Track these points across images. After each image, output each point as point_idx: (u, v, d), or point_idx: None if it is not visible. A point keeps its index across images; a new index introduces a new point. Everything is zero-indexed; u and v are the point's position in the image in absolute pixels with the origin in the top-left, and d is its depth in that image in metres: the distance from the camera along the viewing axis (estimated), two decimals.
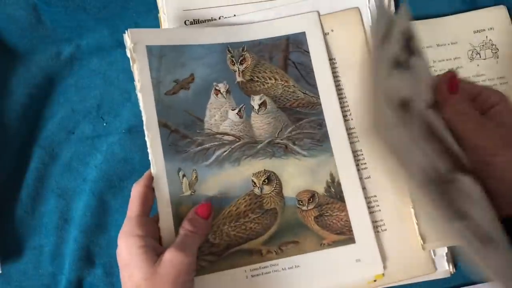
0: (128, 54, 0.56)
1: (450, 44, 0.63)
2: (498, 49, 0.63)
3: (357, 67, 0.62)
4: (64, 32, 0.64)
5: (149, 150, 0.54)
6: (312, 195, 0.57)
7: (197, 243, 0.51)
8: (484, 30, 0.64)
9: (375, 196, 0.58)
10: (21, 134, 0.62)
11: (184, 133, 0.56)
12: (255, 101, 0.59)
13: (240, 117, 0.59)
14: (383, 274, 0.56)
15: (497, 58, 0.63)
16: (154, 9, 0.64)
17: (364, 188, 0.58)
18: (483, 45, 0.63)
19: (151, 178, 0.53)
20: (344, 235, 0.56)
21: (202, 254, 0.53)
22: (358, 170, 0.58)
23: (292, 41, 0.62)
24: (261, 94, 0.60)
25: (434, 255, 0.58)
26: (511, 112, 0.43)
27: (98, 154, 0.62)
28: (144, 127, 0.55)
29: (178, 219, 0.52)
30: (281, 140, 0.58)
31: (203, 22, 0.63)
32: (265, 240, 0.55)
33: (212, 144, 0.57)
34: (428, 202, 0.37)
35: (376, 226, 0.57)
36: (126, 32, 0.56)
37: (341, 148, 0.58)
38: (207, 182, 0.56)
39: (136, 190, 0.51)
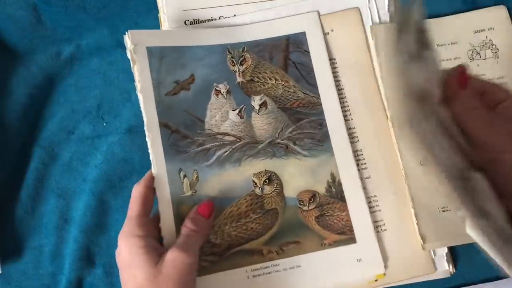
0: (129, 55, 0.56)
1: (450, 44, 0.63)
2: (498, 49, 0.63)
3: (357, 67, 0.62)
4: (64, 32, 0.64)
5: (150, 151, 0.54)
6: (313, 195, 0.57)
7: (199, 243, 0.51)
8: (484, 30, 0.64)
9: (375, 196, 0.58)
10: (21, 134, 0.62)
11: (184, 133, 0.56)
12: (256, 102, 0.59)
13: (241, 117, 0.59)
14: (384, 274, 0.56)
15: (497, 58, 0.63)
16: (154, 9, 0.64)
17: (364, 188, 0.58)
18: (483, 45, 0.63)
19: (151, 179, 0.53)
20: (345, 235, 0.56)
21: (203, 254, 0.53)
22: (358, 170, 0.58)
23: (292, 41, 0.62)
24: (262, 95, 0.60)
25: (434, 255, 0.58)
26: None
27: (98, 154, 0.61)
28: (145, 128, 0.55)
29: (179, 219, 0.52)
30: (282, 140, 0.58)
31: (203, 22, 0.63)
32: (266, 240, 0.55)
33: (212, 144, 0.57)
34: (455, 198, 0.37)
35: (376, 226, 0.57)
36: (126, 33, 0.56)
37: (342, 148, 0.58)
38: (208, 183, 0.56)
39: (137, 191, 0.51)
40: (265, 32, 0.62)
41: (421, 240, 0.56)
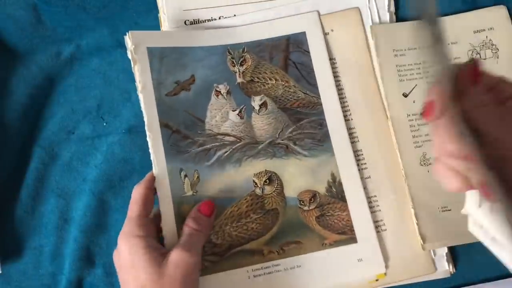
0: (129, 56, 0.56)
1: (450, 44, 0.63)
2: (498, 49, 0.63)
3: (357, 67, 0.62)
4: (64, 32, 0.64)
5: (150, 150, 0.54)
6: (314, 195, 0.57)
7: (202, 242, 0.51)
8: (484, 30, 0.64)
9: (375, 196, 0.58)
10: (21, 134, 0.61)
11: (185, 133, 0.56)
12: (256, 102, 0.59)
13: (241, 118, 0.59)
14: (385, 274, 0.56)
15: (497, 58, 0.63)
16: (154, 9, 0.64)
17: (364, 188, 0.58)
18: (483, 45, 0.64)
19: (152, 180, 0.53)
20: (345, 234, 0.56)
21: (204, 254, 0.53)
22: (359, 170, 0.58)
23: (292, 41, 0.62)
24: (262, 95, 0.60)
25: (434, 255, 0.58)
26: None
27: (98, 154, 0.61)
28: (146, 128, 0.55)
29: (180, 219, 0.53)
30: (282, 140, 0.59)
31: (203, 22, 0.63)
32: (267, 240, 0.55)
33: (213, 144, 0.57)
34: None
35: (376, 226, 0.57)
36: (127, 34, 0.56)
37: (342, 148, 0.59)
38: (209, 183, 0.56)
39: (137, 192, 0.51)
40: (265, 32, 0.62)
41: (421, 240, 0.57)
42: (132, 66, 0.56)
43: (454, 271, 0.58)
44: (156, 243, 0.50)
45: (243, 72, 0.60)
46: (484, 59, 0.63)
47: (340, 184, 0.57)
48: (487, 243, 0.43)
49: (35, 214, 0.60)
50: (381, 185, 0.59)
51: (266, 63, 0.61)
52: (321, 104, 0.60)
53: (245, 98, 0.60)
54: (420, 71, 0.62)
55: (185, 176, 0.55)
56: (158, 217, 0.53)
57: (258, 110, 0.59)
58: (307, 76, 0.61)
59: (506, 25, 0.64)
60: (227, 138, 0.58)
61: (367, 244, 0.56)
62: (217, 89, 0.59)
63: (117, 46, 0.64)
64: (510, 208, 0.37)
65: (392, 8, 0.64)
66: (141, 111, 0.56)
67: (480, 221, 0.44)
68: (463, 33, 0.64)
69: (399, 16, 0.65)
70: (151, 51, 0.57)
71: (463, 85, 0.40)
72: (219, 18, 0.63)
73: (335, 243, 0.56)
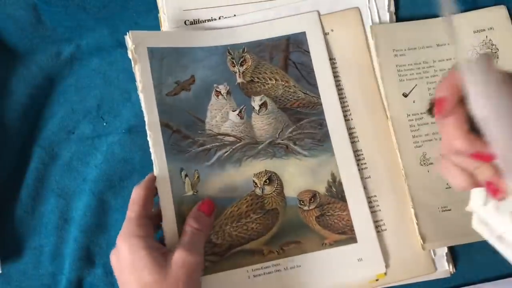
0: (130, 56, 0.56)
1: (450, 44, 0.63)
2: (498, 49, 0.63)
3: (357, 67, 0.62)
4: (64, 32, 0.64)
5: (151, 150, 0.54)
6: (314, 195, 0.57)
7: (203, 241, 0.51)
8: (484, 30, 0.64)
9: (375, 196, 0.58)
10: (21, 134, 0.61)
11: (185, 133, 0.56)
12: (256, 102, 0.59)
13: (241, 118, 0.59)
14: (385, 273, 0.56)
15: (497, 58, 0.63)
16: (154, 9, 0.64)
17: (364, 188, 0.58)
18: (483, 45, 0.63)
19: (152, 181, 0.53)
20: (345, 234, 0.56)
21: (204, 254, 0.53)
22: (358, 170, 0.58)
23: (292, 41, 0.62)
24: (262, 95, 0.60)
25: (434, 255, 0.58)
26: None
27: (98, 154, 0.61)
28: (146, 127, 0.55)
29: (180, 219, 0.52)
30: (282, 140, 0.59)
31: (203, 22, 0.63)
32: (267, 240, 0.55)
33: (213, 144, 0.57)
34: None
35: (376, 226, 0.57)
36: (127, 34, 0.56)
37: (342, 148, 0.59)
38: (209, 183, 0.56)
39: (137, 193, 0.51)
40: (265, 32, 0.62)
41: (421, 240, 0.57)
42: (133, 66, 0.56)
43: (454, 271, 0.58)
44: (157, 243, 0.49)
45: (243, 72, 0.60)
46: None
47: (340, 184, 0.57)
48: (492, 241, 0.43)
49: (35, 214, 0.60)
50: (381, 185, 0.59)
51: (266, 63, 0.61)
52: (321, 104, 0.60)
53: (245, 98, 0.60)
54: (420, 71, 0.62)
55: (186, 176, 0.55)
56: (156, 216, 0.53)
57: (258, 110, 0.59)
58: (307, 76, 0.61)
59: (506, 25, 0.64)
60: (227, 138, 0.58)
61: (367, 244, 0.56)
62: (217, 89, 0.59)
63: (117, 46, 0.63)
64: None
65: (392, 8, 0.64)
66: (141, 111, 0.56)
67: (486, 219, 0.44)
68: (463, 33, 0.64)
69: (399, 16, 0.65)
70: (151, 51, 0.57)
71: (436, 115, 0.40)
72: (219, 18, 0.63)
73: (335, 243, 0.56)
